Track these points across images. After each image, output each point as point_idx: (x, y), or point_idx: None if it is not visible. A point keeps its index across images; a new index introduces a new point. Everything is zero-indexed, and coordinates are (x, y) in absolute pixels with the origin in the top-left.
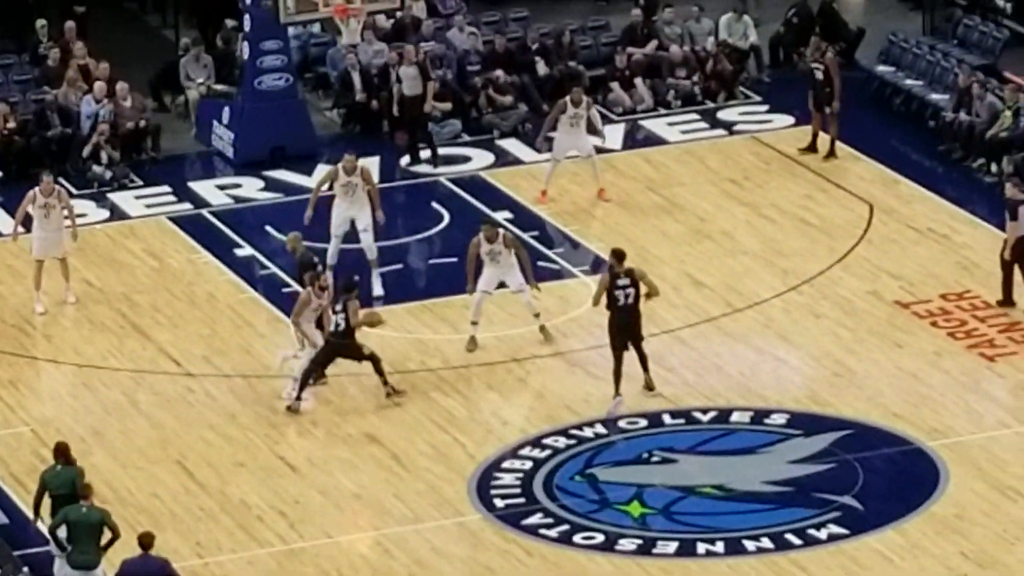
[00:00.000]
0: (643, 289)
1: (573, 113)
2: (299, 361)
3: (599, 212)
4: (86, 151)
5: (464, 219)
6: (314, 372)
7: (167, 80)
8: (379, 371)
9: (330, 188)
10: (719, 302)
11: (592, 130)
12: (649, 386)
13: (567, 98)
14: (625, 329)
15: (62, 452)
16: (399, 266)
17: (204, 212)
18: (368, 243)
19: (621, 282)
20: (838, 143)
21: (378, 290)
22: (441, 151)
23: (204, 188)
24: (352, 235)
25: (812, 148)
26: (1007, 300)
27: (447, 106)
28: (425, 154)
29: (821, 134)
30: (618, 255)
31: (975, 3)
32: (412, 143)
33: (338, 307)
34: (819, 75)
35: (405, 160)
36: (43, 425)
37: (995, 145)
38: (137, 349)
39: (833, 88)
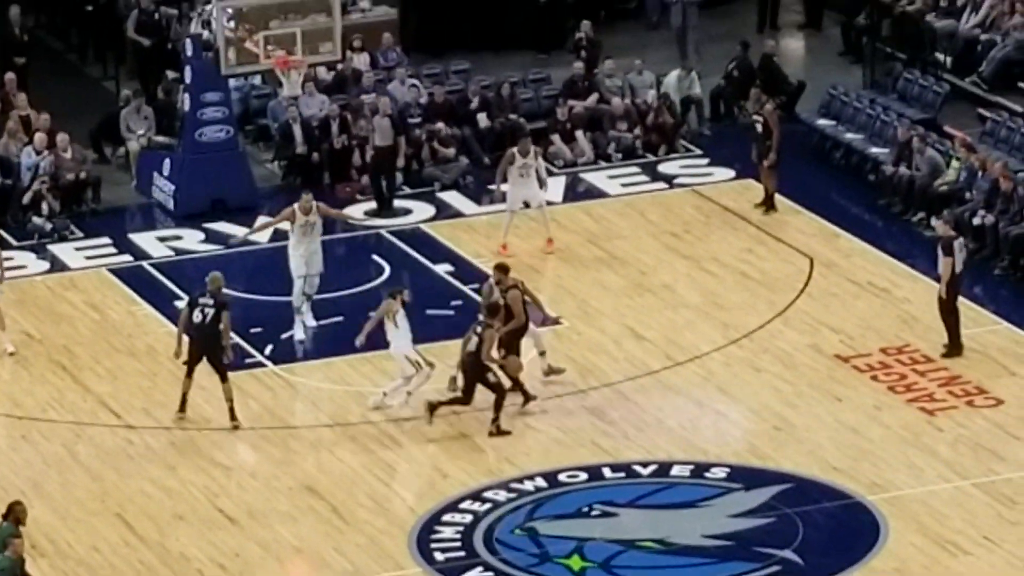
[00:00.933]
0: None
1: (522, 163)
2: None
3: (539, 265)
4: (26, 200)
5: (405, 272)
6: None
7: (108, 131)
8: (498, 405)
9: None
10: (660, 355)
11: (539, 181)
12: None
13: (514, 149)
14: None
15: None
16: (340, 319)
17: (144, 264)
18: (315, 285)
19: (523, 288)
20: (777, 196)
21: (305, 329)
22: None
23: (144, 240)
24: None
25: (763, 204)
26: (954, 346)
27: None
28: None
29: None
30: (504, 268)
31: (915, 57)
32: (379, 193)
33: (478, 328)
34: (759, 128)
35: (373, 208)
36: None
37: (935, 199)
38: (77, 401)
39: (772, 140)
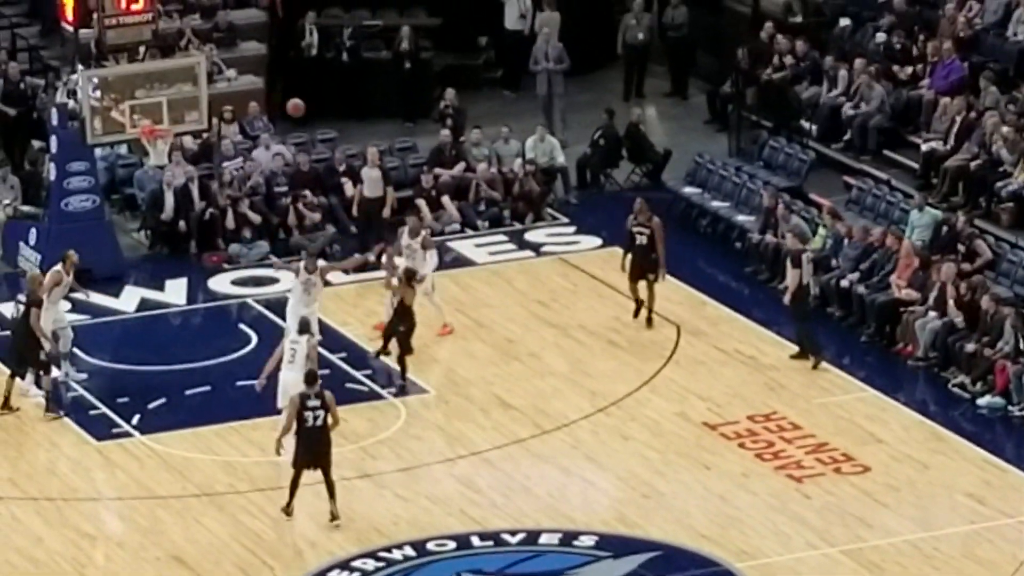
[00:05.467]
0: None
1: (407, 243)
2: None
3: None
4: None
5: (272, 341)
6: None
7: None
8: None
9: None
10: (527, 423)
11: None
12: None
13: (405, 227)
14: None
15: None
16: (207, 388)
17: (10, 334)
18: (70, 337)
19: (311, 403)
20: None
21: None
22: (248, 272)
23: (10, 310)
24: None
25: (637, 314)
26: (804, 352)
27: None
28: None
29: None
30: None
31: (781, 125)
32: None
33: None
34: (642, 240)
35: (240, 277)
36: None
37: None
38: None
39: (658, 254)
